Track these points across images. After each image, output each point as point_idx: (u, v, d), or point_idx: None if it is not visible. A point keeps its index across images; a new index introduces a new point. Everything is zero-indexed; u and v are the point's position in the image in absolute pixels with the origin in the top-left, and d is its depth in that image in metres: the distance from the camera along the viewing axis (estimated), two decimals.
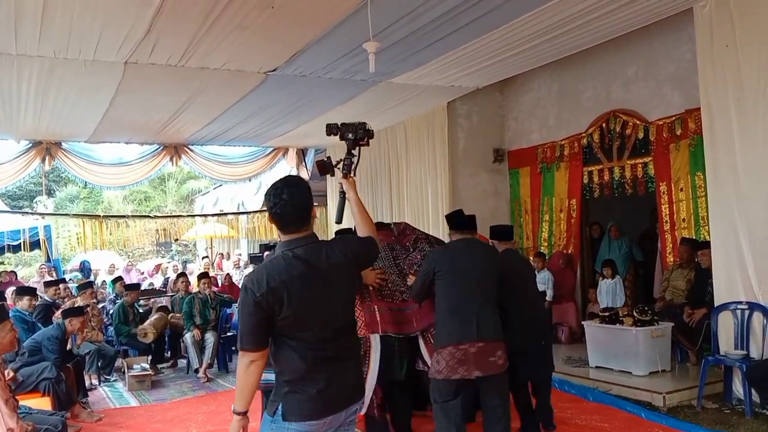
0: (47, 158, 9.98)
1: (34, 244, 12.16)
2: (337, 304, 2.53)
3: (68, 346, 6.41)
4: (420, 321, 4.47)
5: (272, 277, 2.41)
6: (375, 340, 4.31)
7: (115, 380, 7.91)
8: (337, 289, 2.52)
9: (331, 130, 3.30)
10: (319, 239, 2.57)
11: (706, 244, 6.13)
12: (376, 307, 4.38)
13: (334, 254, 2.52)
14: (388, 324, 4.36)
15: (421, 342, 4.50)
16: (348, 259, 2.56)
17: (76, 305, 7.13)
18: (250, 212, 13.77)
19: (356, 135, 3.24)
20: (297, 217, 2.48)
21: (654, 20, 6.05)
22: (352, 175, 3.07)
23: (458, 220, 4.51)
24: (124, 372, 7.76)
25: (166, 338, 8.75)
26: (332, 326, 2.50)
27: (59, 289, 8.51)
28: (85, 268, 14.07)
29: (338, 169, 3.10)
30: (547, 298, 7.83)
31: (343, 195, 3.01)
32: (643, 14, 5.75)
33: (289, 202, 2.44)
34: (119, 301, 8.83)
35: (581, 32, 6.06)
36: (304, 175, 12.12)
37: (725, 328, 5.55)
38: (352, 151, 3.20)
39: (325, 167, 3.20)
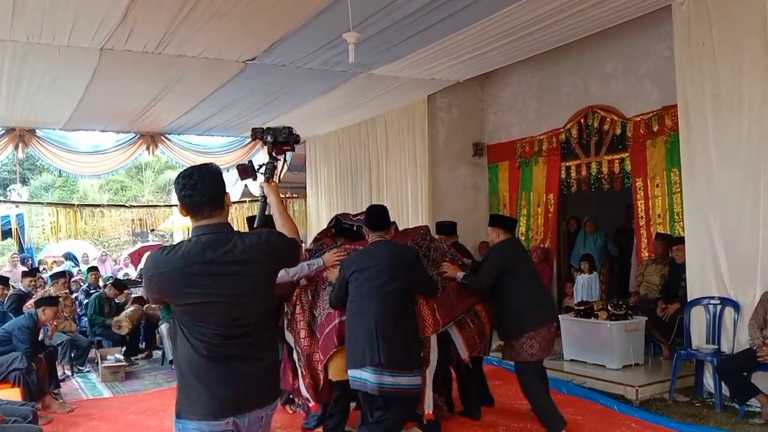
0: (21, 145, 9.77)
1: (7, 233, 11.96)
2: (243, 299, 2.34)
3: (40, 337, 6.31)
4: (461, 305, 4.64)
5: (169, 262, 2.31)
6: (434, 340, 4.42)
7: (88, 371, 7.81)
8: (244, 283, 2.34)
9: (255, 134, 3.25)
10: (238, 232, 2.41)
11: (681, 240, 6.21)
12: (435, 304, 4.46)
13: (246, 246, 2.35)
14: (445, 317, 4.51)
15: (455, 330, 4.63)
16: (262, 253, 2.39)
17: (48, 295, 7.01)
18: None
19: (277, 139, 3.22)
20: (206, 201, 2.34)
21: (633, 17, 6.09)
22: (274, 179, 2.99)
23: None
24: (97, 363, 7.67)
25: (141, 329, 8.65)
26: (235, 322, 2.34)
27: (35, 279, 8.37)
28: (72, 258, 13.86)
29: (261, 173, 3.02)
30: None
31: (264, 199, 2.92)
32: (622, 11, 5.78)
33: (199, 188, 2.33)
34: (96, 292, 8.70)
35: (561, 27, 6.08)
36: (283, 166, 12.05)
37: (698, 322, 5.64)
38: (275, 155, 3.17)
39: (246, 171, 3.12)
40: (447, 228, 5.63)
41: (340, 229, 5.04)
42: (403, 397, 3.92)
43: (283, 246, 2.52)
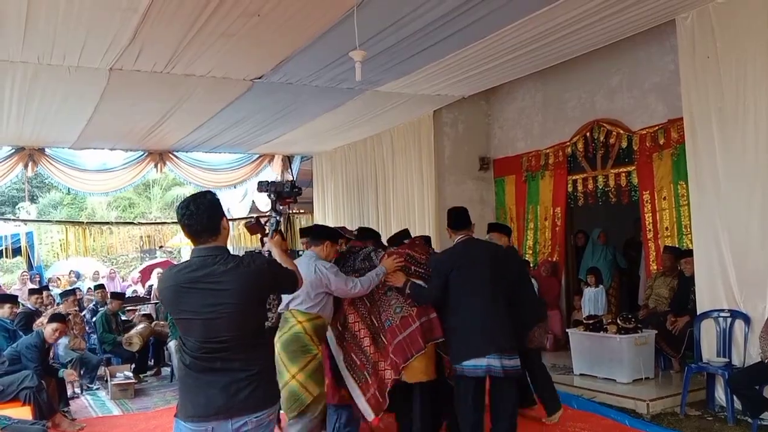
0: (30, 164, 9.87)
1: (16, 251, 12.02)
2: (223, 317, 2.56)
3: (50, 355, 6.34)
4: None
5: (168, 278, 2.67)
6: None
7: (97, 389, 7.82)
8: (225, 305, 2.56)
9: (261, 187, 3.53)
10: (230, 254, 2.66)
11: (689, 253, 6.20)
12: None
13: (228, 270, 2.59)
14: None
15: None
16: (244, 276, 2.61)
17: (57, 312, 7.04)
18: (235, 219, 13.70)
19: (280, 193, 3.50)
20: (203, 229, 2.62)
21: (637, 31, 6.13)
22: (275, 235, 3.27)
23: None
24: (106, 380, 7.68)
25: (150, 346, 8.67)
26: (212, 338, 2.57)
27: (41, 296, 8.42)
28: (78, 277, 13.94)
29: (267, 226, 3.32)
30: None
31: (269, 254, 3.14)
32: (626, 25, 5.82)
33: (195, 214, 2.60)
34: (102, 310, 8.74)
35: (565, 42, 6.12)
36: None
37: (707, 335, 5.61)
38: (277, 209, 3.43)
39: (254, 229, 3.44)
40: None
41: (365, 234, 5.23)
42: (515, 376, 4.43)
43: (270, 273, 2.74)
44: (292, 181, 3.54)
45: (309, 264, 4.21)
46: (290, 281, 2.91)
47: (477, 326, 4.30)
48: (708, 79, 5.51)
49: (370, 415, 4.38)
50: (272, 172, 12.00)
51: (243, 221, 12.72)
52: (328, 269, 4.31)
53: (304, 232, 4.85)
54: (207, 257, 2.61)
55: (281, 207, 3.44)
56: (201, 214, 2.61)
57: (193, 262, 2.64)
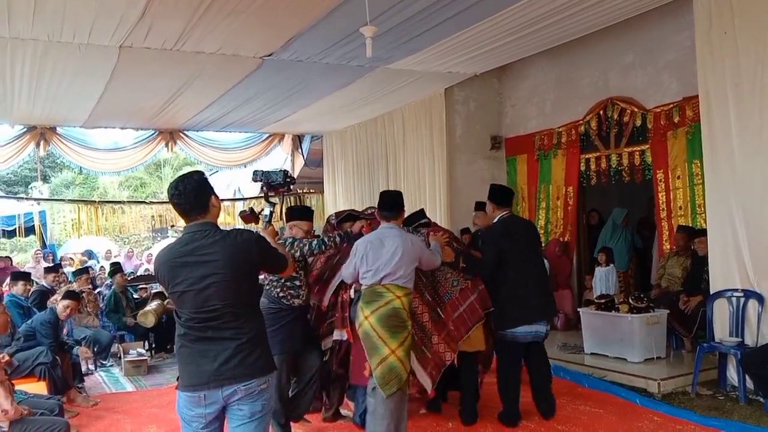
0: (42, 143, 9.91)
1: (29, 230, 12.11)
2: (212, 287, 2.69)
3: (64, 331, 6.40)
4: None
5: (162, 255, 2.83)
6: None
7: (111, 365, 7.91)
8: (214, 275, 2.69)
9: (255, 176, 3.68)
10: (219, 229, 2.81)
11: (703, 232, 6.14)
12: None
13: (216, 242, 2.73)
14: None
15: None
16: (231, 248, 2.74)
17: (71, 290, 7.11)
18: (245, 198, 13.72)
19: (270, 183, 3.61)
20: (191, 207, 2.78)
21: (652, 7, 6.02)
22: (270, 224, 3.42)
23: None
24: (120, 357, 7.77)
25: (163, 324, 8.73)
26: (206, 308, 2.70)
27: (59, 275, 8.47)
28: (92, 256, 14.04)
29: (262, 216, 3.45)
30: None
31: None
32: (641, 1, 5.72)
33: (183, 194, 2.76)
34: (112, 288, 8.80)
35: (579, 18, 6.02)
36: (300, 161, 12.10)
37: (720, 315, 5.58)
38: (270, 200, 3.53)
39: (248, 218, 3.55)
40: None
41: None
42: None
43: (257, 246, 2.85)
44: (284, 170, 3.57)
45: (403, 237, 4.14)
46: (279, 261, 3.05)
47: (529, 295, 4.69)
48: (725, 55, 5.41)
49: (429, 387, 4.50)
50: (282, 152, 11.99)
51: (253, 200, 12.77)
52: (422, 242, 4.36)
53: (298, 212, 4.68)
54: (196, 232, 2.76)
55: (274, 197, 3.54)
56: (189, 193, 2.76)
57: (183, 238, 2.79)
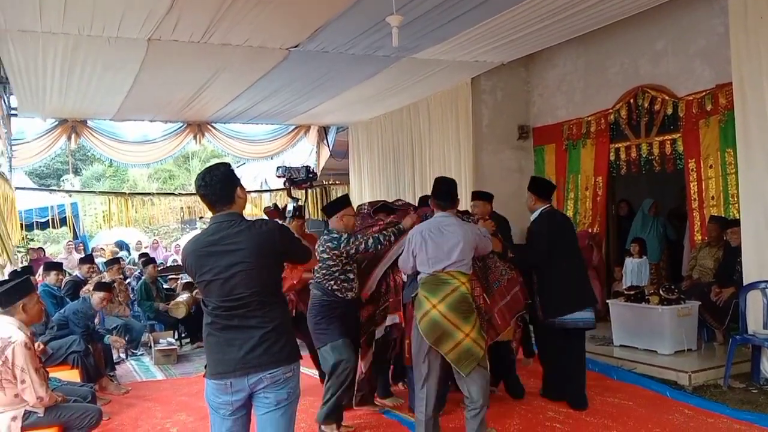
0: (73, 136, 10.10)
1: (62, 221, 12.36)
2: (238, 275, 2.75)
3: (96, 321, 6.52)
4: None
5: (189, 245, 2.90)
6: None
7: (141, 354, 8.05)
8: (240, 264, 2.74)
9: (278, 172, 3.89)
10: (244, 219, 2.86)
11: (736, 223, 6.02)
12: None
13: (242, 232, 2.79)
14: None
15: None
16: (256, 238, 2.79)
17: (103, 281, 7.23)
18: (272, 190, 13.81)
19: (291, 181, 3.72)
20: (217, 198, 2.84)
21: None
22: (295, 219, 3.56)
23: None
24: (150, 346, 7.89)
25: (193, 314, 8.84)
26: (229, 296, 2.76)
27: (93, 266, 8.61)
28: (124, 247, 14.28)
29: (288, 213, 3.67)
30: None
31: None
32: None
33: (210, 185, 2.82)
34: (142, 278, 8.94)
35: (608, 5, 5.91)
36: (325, 153, 12.12)
37: (754, 307, 5.47)
38: (293, 195, 3.62)
39: (272, 213, 3.72)
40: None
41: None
42: None
43: (281, 236, 2.88)
44: (307, 166, 3.68)
45: (461, 225, 4.22)
46: (302, 252, 3.08)
47: (576, 284, 4.94)
48: (760, 40, 5.27)
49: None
50: (308, 143, 12.03)
51: (280, 192, 12.85)
52: (480, 230, 4.44)
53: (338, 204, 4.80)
54: (222, 222, 2.82)
55: (297, 192, 3.64)
56: (215, 184, 2.81)
57: (210, 228, 2.85)
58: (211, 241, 2.80)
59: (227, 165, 2.93)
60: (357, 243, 4.48)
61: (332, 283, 4.52)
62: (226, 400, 2.78)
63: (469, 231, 4.20)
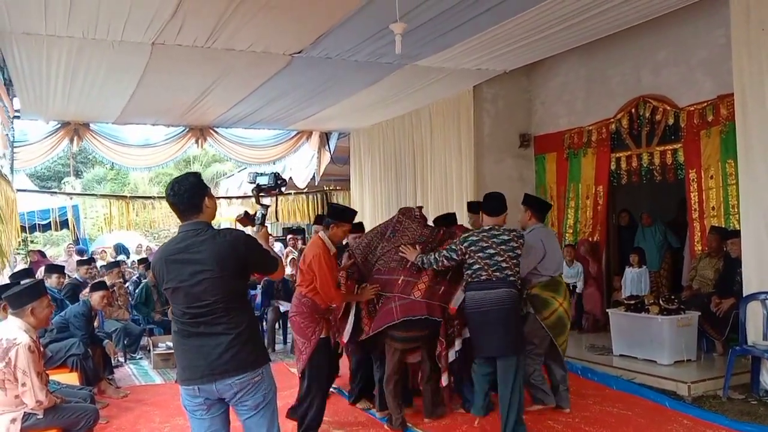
0: (75, 138, 10.10)
1: (63, 224, 12.35)
2: (202, 283, 2.81)
3: (95, 324, 6.51)
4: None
5: (159, 252, 3.02)
6: None
7: (140, 358, 8.03)
8: (204, 272, 2.81)
9: (250, 178, 3.90)
10: (211, 227, 2.93)
11: (736, 233, 6.02)
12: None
13: (206, 241, 2.85)
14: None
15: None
16: (220, 247, 2.85)
17: (100, 281, 7.21)
18: (261, 195, 13.76)
19: (259, 188, 3.85)
20: (185, 207, 2.91)
21: (686, 4, 5.90)
22: (263, 226, 3.53)
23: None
24: (149, 350, 7.88)
25: None
26: (198, 304, 2.83)
27: (92, 268, 8.61)
28: (123, 250, 14.27)
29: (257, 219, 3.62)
30: (578, 290, 7.77)
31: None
32: None
33: (178, 194, 2.89)
34: (143, 282, 8.94)
35: (611, 15, 5.94)
36: (327, 158, 12.14)
37: (754, 318, 5.47)
38: (262, 202, 3.73)
39: (243, 221, 3.72)
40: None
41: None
42: None
43: (245, 245, 2.94)
44: (275, 173, 3.81)
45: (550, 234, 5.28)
46: (267, 263, 3.11)
47: None
48: (762, 52, 5.29)
49: None
50: (310, 149, 12.04)
51: (281, 197, 12.84)
52: None
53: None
54: (189, 231, 2.90)
55: (266, 199, 3.78)
56: (183, 194, 2.89)
57: (178, 236, 2.93)
58: (179, 248, 2.88)
59: (197, 175, 3.00)
60: (440, 260, 4.78)
61: None
62: (198, 402, 2.90)
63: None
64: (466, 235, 4.70)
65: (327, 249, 4.58)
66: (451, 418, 5.06)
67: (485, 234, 4.56)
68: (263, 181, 3.85)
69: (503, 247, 4.50)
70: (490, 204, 4.71)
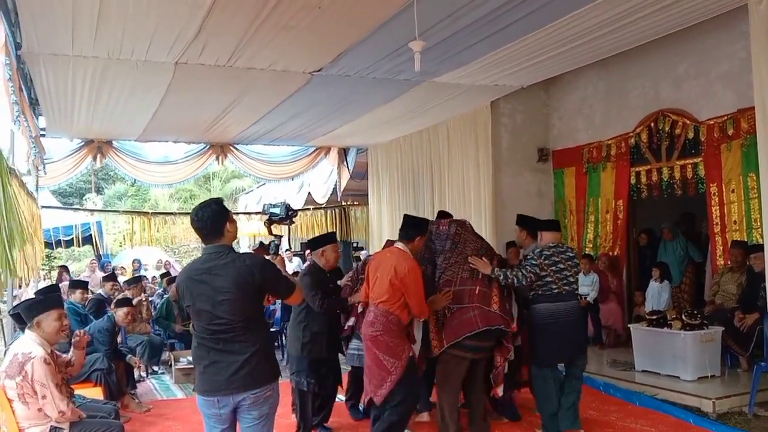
0: (98, 156, 10.27)
1: (86, 240, 12.53)
2: (222, 305, 3.04)
3: (119, 340, 6.58)
4: None
5: (182, 273, 3.30)
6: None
7: (162, 373, 8.10)
8: (223, 293, 3.04)
9: (263, 209, 4.36)
10: (232, 251, 3.17)
11: (759, 248, 5.97)
12: None
13: (228, 264, 3.08)
14: None
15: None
16: (239, 270, 3.07)
17: (124, 297, 7.30)
18: (273, 213, 13.90)
19: (270, 220, 4.12)
20: (208, 232, 3.16)
21: (706, 18, 5.89)
22: (279, 253, 3.78)
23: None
24: (170, 365, 7.94)
25: None
26: (218, 322, 3.06)
27: (117, 284, 8.71)
28: (140, 266, 14.44)
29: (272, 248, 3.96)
30: (589, 300, 7.72)
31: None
32: (695, 11, 5.60)
33: (201, 220, 3.15)
34: (166, 296, 9.03)
35: (629, 31, 5.93)
36: (345, 174, 12.22)
37: None
38: (275, 233, 4.01)
39: (258, 251, 3.97)
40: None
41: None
42: None
43: (261, 270, 3.14)
44: (286, 205, 4.07)
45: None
46: (285, 287, 3.33)
47: None
48: None
49: None
50: (328, 164, 12.13)
51: (300, 212, 12.93)
52: None
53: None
54: (212, 254, 3.14)
55: (277, 228, 4.04)
56: (206, 220, 3.14)
57: (202, 258, 3.18)
58: (203, 269, 3.12)
59: (219, 202, 3.25)
60: (512, 278, 4.85)
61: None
62: (215, 412, 3.13)
63: None
64: (539, 250, 4.91)
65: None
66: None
67: (555, 249, 4.87)
68: (275, 212, 4.10)
69: (570, 263, 4.91)
70: (553, 223, 5.41)
